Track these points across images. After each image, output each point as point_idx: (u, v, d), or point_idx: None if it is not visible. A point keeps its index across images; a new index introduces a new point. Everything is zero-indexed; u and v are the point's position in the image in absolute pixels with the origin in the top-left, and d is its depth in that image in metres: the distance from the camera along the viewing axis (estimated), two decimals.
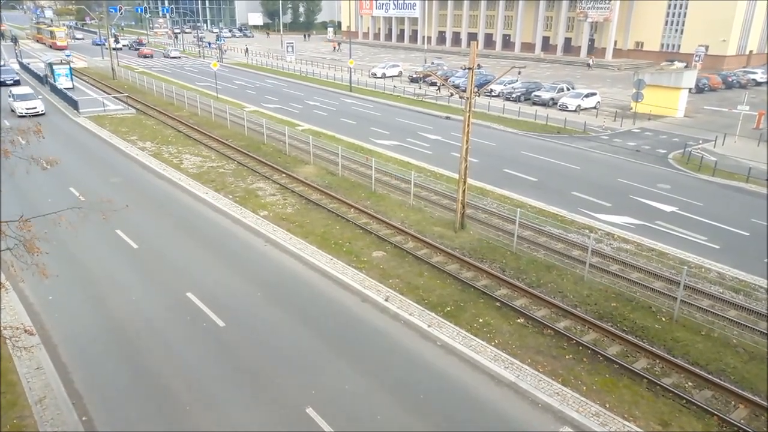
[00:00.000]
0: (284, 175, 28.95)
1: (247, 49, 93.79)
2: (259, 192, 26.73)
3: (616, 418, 12.63)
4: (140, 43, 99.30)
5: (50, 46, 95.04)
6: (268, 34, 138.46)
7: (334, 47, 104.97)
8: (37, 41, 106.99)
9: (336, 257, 20.02)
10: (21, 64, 69.65)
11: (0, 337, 12.11)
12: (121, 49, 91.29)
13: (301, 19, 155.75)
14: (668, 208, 25.85)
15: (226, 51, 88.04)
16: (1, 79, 54.46)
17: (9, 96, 43.40)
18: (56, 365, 14.17)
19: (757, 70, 70.43)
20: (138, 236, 21.60)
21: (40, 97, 45.90)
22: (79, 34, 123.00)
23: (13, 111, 41.96)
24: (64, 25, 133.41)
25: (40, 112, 42.03)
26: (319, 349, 15.04)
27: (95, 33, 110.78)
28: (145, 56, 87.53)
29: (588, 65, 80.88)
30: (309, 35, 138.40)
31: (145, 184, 28.26)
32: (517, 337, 15.61)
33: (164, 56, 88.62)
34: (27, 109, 41.65)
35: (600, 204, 26.22)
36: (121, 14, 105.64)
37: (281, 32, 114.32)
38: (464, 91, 21.43)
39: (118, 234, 21.64)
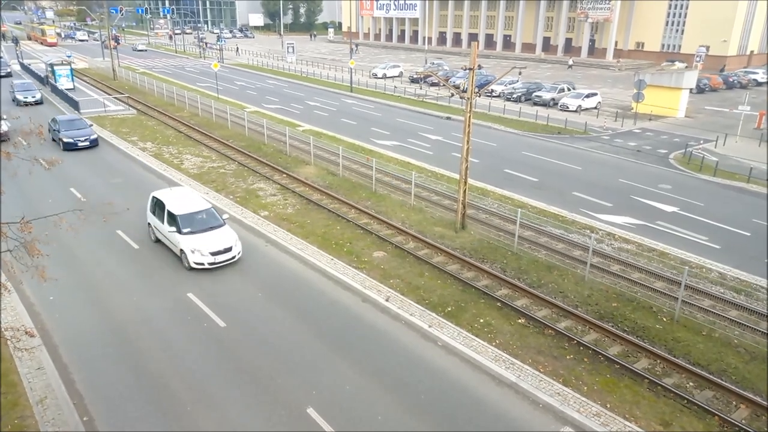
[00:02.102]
0: (285, 175, 28.95)
1: (237, 48, 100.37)
2: (260, 192, 26.73)
3: (617, 419, 12.62)
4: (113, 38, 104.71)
5: (41, 43, 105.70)
6: (280, 35, 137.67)
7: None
8: (33, 39, 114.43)
9: (337, 257, 20.02)
10: (22, 65, 69.69)
11: (1, 337, 12.15)
12: (87, 41, 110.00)
13: (302, 19, 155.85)
14: (669, 209, 25.84)
15: (222, 50, 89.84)
16: (69, 141, 33.05)
17: (160, 213, 20.03)
18: (57, 365, 14.17)
19: (758, 71, 70.43)
20: (138, 237, 21.61)
21: (226, 217, 21.04)
22: (58, 30, 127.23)
23: (185, 260, 18.90)
24: (65, 25, 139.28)
25: (237, 255, 19.39)
26: (319, 350, 15.04)
27: (80, 30, 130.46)
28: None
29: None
30: (314, 35, 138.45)
31: (145, 184, 28.25)
32: (518, 337, 15.60)
33: (132, 49, 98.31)
34: (213, 255, 18.67)
35: (601, 204, 26.22)
36: (122, 15, 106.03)
37: (281, 33, 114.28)
38: (465, 91, 21.43)
39: (119, 234, 21.66)
